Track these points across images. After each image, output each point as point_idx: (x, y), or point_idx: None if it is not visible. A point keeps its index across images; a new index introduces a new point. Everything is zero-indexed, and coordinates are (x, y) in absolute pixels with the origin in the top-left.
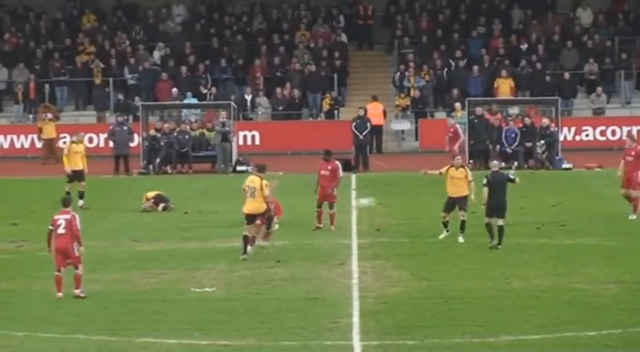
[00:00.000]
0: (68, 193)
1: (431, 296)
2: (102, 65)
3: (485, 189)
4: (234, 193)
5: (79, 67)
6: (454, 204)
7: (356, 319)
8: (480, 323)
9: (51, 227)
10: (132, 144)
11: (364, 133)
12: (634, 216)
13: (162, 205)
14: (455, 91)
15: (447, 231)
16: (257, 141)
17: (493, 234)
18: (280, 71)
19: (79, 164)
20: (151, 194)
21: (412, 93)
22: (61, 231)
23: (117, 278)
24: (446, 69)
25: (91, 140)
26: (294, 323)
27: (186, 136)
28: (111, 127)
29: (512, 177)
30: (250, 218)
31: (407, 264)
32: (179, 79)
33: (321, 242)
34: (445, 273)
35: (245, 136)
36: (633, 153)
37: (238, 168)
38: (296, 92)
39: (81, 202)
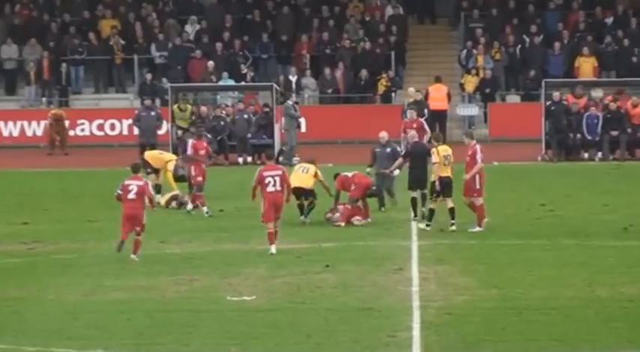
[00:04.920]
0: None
1: (502, 306)
2: (122, 42)
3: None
4: None
5: (99, 44)
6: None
7: (416, 332)
8: (558, 337)
9: (120, 191)
10: (160, 132)
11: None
12: (478, 229)
13: (175, 202)
14: (532, 72)
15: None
16: (302, 128)
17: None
18: (329, 48)
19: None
20: (164, 200)
21: (481, 73)
22: (132, 196)
23: (142, 285)
24: (519, 46)
25: (112, 127)
26: (345, 337)
27: (222, 122)
28: (136, 112)
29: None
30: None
31: (474, 269)
32: (214, 57)
33: (377, 244)
34: (518, 280)
35: None
36: (470, 152)
37: (281, 158)
38: (364, 73)
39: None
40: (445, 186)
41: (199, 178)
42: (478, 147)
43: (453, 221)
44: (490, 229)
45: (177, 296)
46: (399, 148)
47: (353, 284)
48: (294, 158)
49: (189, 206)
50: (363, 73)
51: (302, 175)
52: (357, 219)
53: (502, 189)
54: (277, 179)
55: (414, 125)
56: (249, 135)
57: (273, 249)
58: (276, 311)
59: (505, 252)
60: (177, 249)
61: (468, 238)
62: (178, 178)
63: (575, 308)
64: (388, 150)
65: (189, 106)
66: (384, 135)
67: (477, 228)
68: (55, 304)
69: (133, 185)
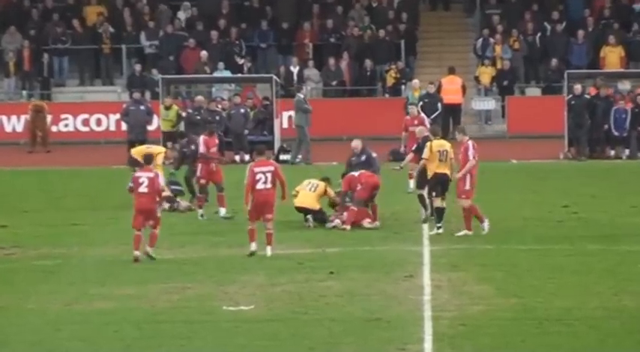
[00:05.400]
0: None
1: (521, 316)
2: (112, 30)
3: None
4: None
5: (84, 32)
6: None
7: (428, 344)
8: (582, 350)
9: (131, 184)
10: (150, 128)
11: (433, 116)
12: (464, 232)
13: (167, 205)
14: (553, 61)
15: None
16: None
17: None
18: (334, 37)
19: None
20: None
21: (498, 64)
22: (142, 189)
23: (130, 294)
24: (540, 34)
25: (99, 122)
26: (351, 350)
27: (217, 117)
28: (125, 106)
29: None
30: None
31: (491, 276)
32: (209, 46)
33: (385, 249)
34: (539, 288)
35: (290, 117)
36: (462, 149)
37: (281, 157)
38: (368, 63)
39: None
40: (441, 184)
41: (202, 181)
42: (471, 143)
43: (440, 222)
44: (508, 233)
45: (169, 306)
46: (374, 154)
47: (359, 292)
48: (297, 157)
49: (222, 211)
50: (368, 63)
51: (308, 193)
52: (367, 222)
53: (521, 190)
54: (269, 175)
55: (416, 122)
56: (246, 132)
57: (252, 246)
58: (276, 322)
59: (525, 257)
60: (168, 254)
61: (484, 243)
62: (175, 192)
63: (600, 319)
64: (363, 158)
65: (175, 107)
66: (356, 144)
67: (464, 232)
68: (36, 314)
69: (144, 177)
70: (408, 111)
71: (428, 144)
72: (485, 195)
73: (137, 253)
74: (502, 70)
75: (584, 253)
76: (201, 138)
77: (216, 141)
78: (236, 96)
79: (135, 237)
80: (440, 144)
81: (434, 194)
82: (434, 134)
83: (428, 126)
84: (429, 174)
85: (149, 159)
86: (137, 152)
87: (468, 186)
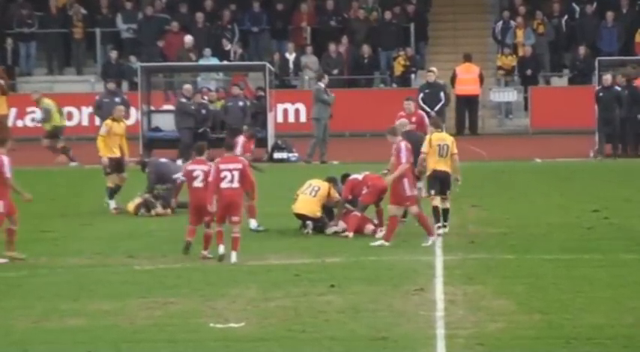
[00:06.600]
0: (112, 189)
1: (546, 335)
2: (83, 11)
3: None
4: (271, 190)
5: (53, 15)
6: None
7: None
8: None
9: (183, 177)
10: (127, 122)
11: (437, 108)
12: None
13: (154, 211)
14: (581, 48)
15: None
16: (302, 118)
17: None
18: (335, 20)
19: (118, 150)
20: (131, 205)
21: (520, 51)
22: (197, 184)
23: (106, 310)
24: (566, 16)
25: (69, 116)
26: None
27: (203, 111)
28: (97, 98)
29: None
30: None
31: (512, 289)
32: (194, 30)
33: (393, 259)
34: (566, 303)
35: (286, 110)
36: (394, 151)
37: (276, 154)
38: (365, 49)
39: (112, 203)
40: (441, 182)
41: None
42: (403, 144)
43: (445, 223)
44: (531, 241)
45: (149, 323)
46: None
47: (364, 308)
48: (292, 153)
49: (253, 223)
50: (365, 49)
51: (308, 198)
52: (370, 228)
53: (546, 192)
54: (235, 173)
55: (413, 119)
56: (245, 127)
57: (221, 248)
58: (269, 341)
59: (550, 268)
60: (148, 265)
61: (504, 252)
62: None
63: (635, 338)
64: None
65: (45, 99)
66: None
67: (431, 240)
68: (0, 333)
69: (198, 170)
70: (404, 106)
71: (427, 137)
72: (505, 197)
73: (190, 239)
74: (524, 57)
75: (616, 264)
76: (241, 140)
77: (252, 146)
78: (235, 87)
79: (189, 229)
80: (440, 137)
81: (432, 192)
82: (434, 126)
83: (427, 121)
84: (428, 170)
85: (201, 150)
86: (101, 149)
87: (408, 192)
